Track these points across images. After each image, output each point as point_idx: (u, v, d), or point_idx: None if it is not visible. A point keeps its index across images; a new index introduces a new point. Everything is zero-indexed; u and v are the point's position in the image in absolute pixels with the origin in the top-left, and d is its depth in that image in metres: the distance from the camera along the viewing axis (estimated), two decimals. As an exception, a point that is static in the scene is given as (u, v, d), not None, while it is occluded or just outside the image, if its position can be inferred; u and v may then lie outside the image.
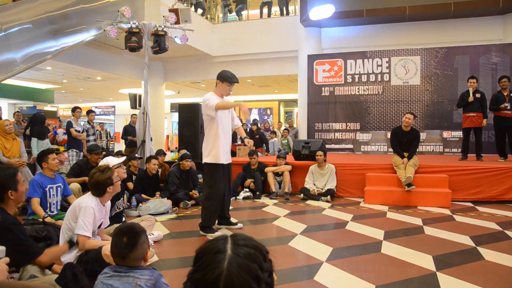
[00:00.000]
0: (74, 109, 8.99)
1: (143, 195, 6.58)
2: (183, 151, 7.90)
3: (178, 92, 20.22)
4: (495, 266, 3.66)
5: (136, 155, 7.86)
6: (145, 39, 8.86)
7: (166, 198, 6.52)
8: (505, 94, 8.06)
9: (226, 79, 4.84)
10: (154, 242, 4.41)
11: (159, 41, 8.80)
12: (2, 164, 6.25)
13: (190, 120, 9.86)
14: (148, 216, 4.73)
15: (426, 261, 3.77)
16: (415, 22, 11.81)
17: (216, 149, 4.78)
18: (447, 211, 6.24)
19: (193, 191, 6.94)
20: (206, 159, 4.84)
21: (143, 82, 9.58)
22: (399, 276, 3.40)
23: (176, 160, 8.78)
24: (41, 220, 4.23)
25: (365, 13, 11.59)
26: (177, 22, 9.33)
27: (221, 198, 4.94)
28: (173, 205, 6.44)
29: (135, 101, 13.91)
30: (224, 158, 4.87)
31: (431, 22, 11.71)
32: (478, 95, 8.10)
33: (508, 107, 7.96)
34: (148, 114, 9.05)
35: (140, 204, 6.26)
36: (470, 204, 6.82)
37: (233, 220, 5.29)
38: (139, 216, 5.56)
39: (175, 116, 19.83)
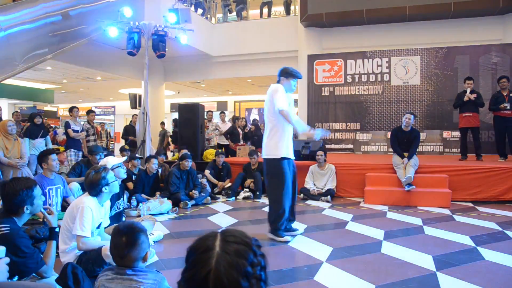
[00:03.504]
0: (71, 109, 8.96)
1: (143, 195, 6.59)
2: (184, 151, 7.91)
3: (178, 92, 20.22)
4: (495, 266, 3.65)
5: (137, 155, 7.87)
6: (145, 39, 8.87)
7: (166, 198, 6.52)
8: (505, 94, 8.06)
9: (292, 75, 4.68)
10: (154, 242, 4.41)
11: (159, 41, 8.81)
12: (3, 164, 6.26)
13: (190, 120, 9.85)
14: (148, 216, 4.73)
15: (426, 261, 3.77)
16: (415, 22, 11.82)
17: (283, 143, 4.55)
18: (447, 211, 6.24)
19: (193, 191, 6.94)
20: (268, 154, 4.60)
21: (143, 82, 9.60)
22: (399, 276, 3.40)
23: (176, 160, 8.78)
24: (41, 220, 4.23)
25: (365, 13, 11.60)
26: (177, 22, 9.34)
27: (291, 197, 4.67)
28: (173, 205, 6.44)
29: (135, 101, 13.93)
30: (289, 152, 4.63)
31: (431, 22, 11.72)
32: (474, 95, 8.10)
33: (508, 107, 7.96)
34: (148, 114, 9.06)
35: (140, 204, 6.26)
36: (470, 204, 6.82)
37: (294, 226, 4.93)
38: (139, 216, 5.57)
39: (175, 116, 19.83)
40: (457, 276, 3.35)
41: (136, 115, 11.24)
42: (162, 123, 14.66)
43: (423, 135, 10.56)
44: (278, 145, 4.52)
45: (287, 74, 4.69)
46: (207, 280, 0.92)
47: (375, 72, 11.49)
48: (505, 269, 3.58)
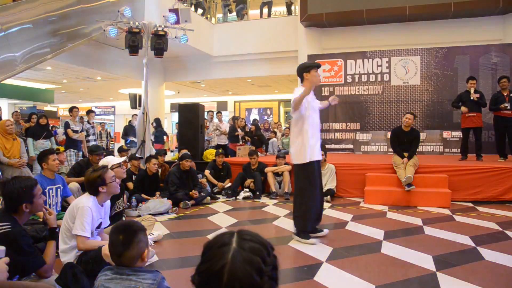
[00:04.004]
0: (71, 109, 8.97)
1: (143, 195, 6.58)
2: (184, 151, 7.91)
3: (178, 92, 20.22)
4: (495, 266, 3.65)
5: (137, 155, 7.87)
6: (145, 39, 8.88)
7: (166, 198, 6.53)
8: (505, 94, 8.06)
9: (310, 66, 4.53)
10: (154, 242, 4.41)
11: (159, 41, 8.81)
12: (2, 164, 6.26)
13: (190, 120, 9.85)
14: (148, 216, 4.73)
15: (426, 261, 3.77)
16: (415, 22, 11.82)
17: (304, 146, 4.45)
18: (447, 211, 6.24)
19: (193, 191, 6.94)
20: (296, 159, 4.53)
21: (143, 82, 9.59)
22: (399, 276, 3.40)
23: (176, 160, 8.79)
24: (41, 220, 4.22)
25: (365, 13, 11.61)
26: (177, 22, 9.35)
27: (317, 200, 4.60)
28: (173, 205, 6.44)
29: (135, 101, 13.92)
30: (315, 154, 4.53)
31: (431, 22, 11.72)
32: (477, 95, 8.10)
33: (508, 107, 7.96)
34: (148, 114, 9.06)
35: (140, 204, 6.27)
36: (470, 204, 6.82)
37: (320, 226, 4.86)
38: (139, 216, 5.56)
39: (175, 116, 19.82)
40: (457, 276, 3.36)
41: (136, 115, 11.25)
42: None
43: (423, 135, 10.55)
44: (301, 150, 4.47)
45: (304, 68, 4.56)
46: (221, 273, 0.95)
47: (375, 72, 11.49)
48: (505, 269, 3.58)
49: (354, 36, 12.36)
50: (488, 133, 9.95)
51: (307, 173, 4.49)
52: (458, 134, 9.89)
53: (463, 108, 8.22)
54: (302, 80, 4.60)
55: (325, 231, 4.78)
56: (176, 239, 4.77)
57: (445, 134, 10.81)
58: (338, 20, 12.07)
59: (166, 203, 6.33)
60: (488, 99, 8.43)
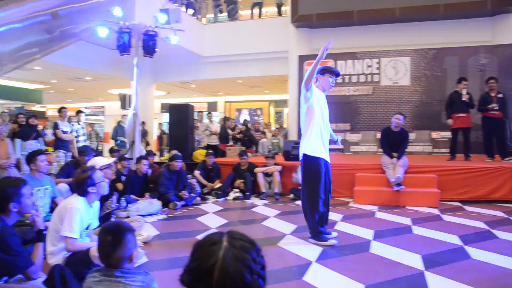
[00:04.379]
0: (60, 110, 8.91)
1: (132, 196, 6.55)
2: (174, 152, 7.89)
3: (168, 93, 20.13)
4: (482, 265, 3.69)
5: (126, 155, 7.83)
6: (135, 39, 8.83)
7: (155, 199, 6.50)
8: (493, 95, 8.15)
9: (326, 70, 4.56)
10: (144, 243, 4.39)
11: (150, 42, 8.77)
12: None
13: (181, 121, 9.82)
14: (137, 217, 4.71)
15: (414, 260, 3.80)
16: (405, 23, 11.87)
17: (312, 141, 4.37)
18: (435, 211, 6.29)
19: (182, 191, 6.92)
20: (303, 150, 4.42)
21: (133, 82, 9.54)
22: (388, 276, 3.42)
23: (166, 161, 8.76)
24: (28, 222, 4.18)
25: (355, 14, 11.65)
26: (168, 23, 9.31)
27: (323, 196, 4.43)
28: (162, 205, 6.41)
29: (125, 101, 13.84)
30: (323, 152, 4.43)
31: (420, 23, 11.78)
32: (468, 96, 8.17)
33: (496, 108, 8.05)
34: (138, 115, 9.02)
35: (130, 205, 6.23)
36: (458, 204, 6.88)
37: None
38: (128, 217, 5.54)
39: (166, 117, 19.75)
40: (445, 275, 3.38)
41: (126, 115, 11.18)
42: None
43: (412, 136, 10.62)
44: (312, 145, 4.36)
45: (323, 70, 4.57)
46: (212, 271, 0.96)
47: (365, 73, 11.55)
48: (492, 267, 3.61)
49: (345, 36, 12.37)
50: (476, 134, 10.04)
51: (312, 168, 4.37)
52: (447, 134, 9.97)
53: (450, 121, 8.31)
54: (316, 80, 4.57)
55: (332, 234, 4.61)
56: (166, 240, 4.76)
57: (434, 134, 10.89)
58: (329, 20, 12.10)
59: (156, 204, 6.31)
60: (476, 100, 8.51)
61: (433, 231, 4.96)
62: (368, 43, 12.00)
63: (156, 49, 8.93)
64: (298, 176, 7.63)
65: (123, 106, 13.88)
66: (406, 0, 11.28)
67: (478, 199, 6.99)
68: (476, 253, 4.04)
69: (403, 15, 11.40)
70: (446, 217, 5.83)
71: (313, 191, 4.38)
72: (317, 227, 4.40)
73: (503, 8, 10.90)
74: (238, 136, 11.69)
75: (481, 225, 5.31)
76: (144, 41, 8.80)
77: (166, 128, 15.27)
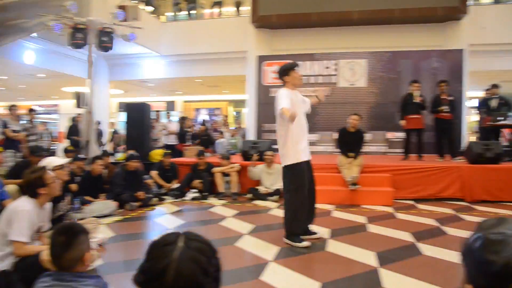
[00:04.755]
0: (10, 108, 8.55)
1: (86, 197, 6.35)
2: (130, 152, 7.73)
3: (126, 92, 19.74)
4: (433, 260, 3.82)
5: (81, 155, 7.60)
6: (91, 36, 8.60)
7: (111, 200, 6.33)
8: (444, 97, 8.46)
9: (290, 67, 4.59)
10: (98, 245, 4.27)
11: (106, 39, 8.56)
12: None
13: (138, 120, 9.64)
14: (92, 219, 4.58)
15: (369, 258, 3.87)
16: (362, 27, 12.13)
17: (292, 148, 4.40)
18: (389, 209, 6.45)
19: (139, 192, 6.78)
20: (284, 161, 4.44)
21: (88, 80, 9.30)
22: (344, 273, 3.48)
23: (123, 161, 8.56)
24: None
25: (314, 16, 11.80)
26: (125, 20, 9.12)
27: (306, 201, 4.51)
28: (118, 207, 6.26)
29: (80, 100, 13.44)
30: (303, 154, 4.46)
31: (377, 26, 12.07)
32: (421, 98, 8.42)
33: (447, 110, 8.35)
34: (93, 114, 8.79)
35: (84, 207, 6.04)
36: (411, 202, 7.09)
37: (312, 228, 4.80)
38: (83, 218, 5.36)
39: (122, 116, 19.34)
40: (398, 271, 3.47)
41: (80, 114, 10.87)
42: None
43: (368, 136, 10.84)
44: (290, 152, 4.39)
45: (285, 70, 4.58)
46: (165, 271, 0.94)
47: (323, 74, 11.70)
48: (441, 262, 3.74)
49: (304, 38, 12.52)
50: (429, 134, 10.37)
51: (295, 174, 4.41)
52: (401, 135, 10.24)
53: (402, 122, 8.55)
54: (283, 84, 4.59)
55: (317, 234, 4.69)
56: (121, 242, 4.64)
57: (389, 135, 11.18)
58: (288, 22, 12.19)
59: (111, 205, 6.15)
60: (429, 102, 8.79)
61: (387, 229, 5.08)
62: (326, 45, 12.17)
63: (112, 47, 8.73)
64: (255, 170, 7.65)
65: (78, 105, 13.48)
66: (363, 4, 11.53)
67: (429, 197, 7.23)
68: (427, 249, 4.17)
69: (360, 18, 11.65)
70: (400, 215, 6.00)
71: (295, 197, 4.40)
72: (295, 229, 4.42)
73: (453, 15, 11.36)
74: (198, 131, 11.58)
75: (432, 222, 5.50)
76: (100, 38, 8.58)
77: (121, 127, 14.99)
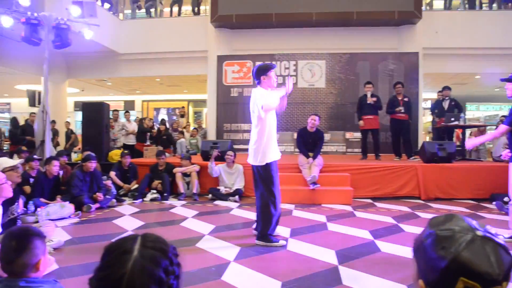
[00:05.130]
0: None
1: (42, 199, 6.14)
2: (87, 152, 7.53)
3: (83, 90, 19.21)
4: (390, 257, 3.92)
5: (35, 156, 7.34)
6: (45, 32, 8.30)
7: (67, 202, 6.14)
8: (400, 98, 8.69)
9: (269, 67, 4.58)
10: (54, 249, 4.13)
11: (62, 35, 8.29)
12: None
13: (95, 120, 9.41)
14: (47, 222, 4.43)
15: (329, 256, 3.93)
16: (321, 28, 12.32)
17: (269, 147, 4.42)
18: (349, 208, 6.58)
19: (97, 193, 6.61)
20: (260, 160, 4.40)
21: (42, 78, 8.98)
22: (305, 272, 3.51)
23: (79, 162, 8.33)
24: None
25: (274, 17, 11.88)
26: (82, 16, 8.86)
27: (280, 201, 4.56)
28: (75, 209, 6.08)
29: (33, 98, 12.99)
30: (277, 153, 4.55)
31: (336, 28, 12.30)
32: (374, 99, 8.62)
33: (402, 111, 8.60)
34: (48, 113, 8.50)
35: (39, 209, 5.81)
36: (370, 201, 7.26)
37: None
38: (37, 222, 5.18)
39: (79, 115, 18.84)
40: (357, 268, 3.55)
41: (34, 113, 10.51)
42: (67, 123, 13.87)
43: (327, 136, 11.02)
44: (266, 151, 4.39)
45: (263, 70, 4.56)
46: (120, 282, 0.91)
47: (283, 75, 11.79)
48: (398, 259, 3.85)
49: (264, 38, 12.59)
50: (386, 135, 10.65)
51: (270, 173, 4.43)
52: (360, 135, 10.47)
53: (361, 122, 8.76)
54: (259, 83, 4.57)
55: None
56: (79, 245, 4.50)
57: (348, 135, 11.40)
58: (248, 22, 12.22)
59: (68, 207, 5.96)
60: (385, 103, 9.03)
61: (347, 227, 5.18)
62: (286, 46, 12.28)
63: (69, 44, 8.46)
64: (215, 167, 7.61)
65: (32, 103, 13.02)
66: (322, 6, 11.71)
67: (387, 196, 7.43)
68: (384, 246, 4.28)
69: (319, 20, 11.83)
70: (359, 214, 6.13)
71: (269, 194, 4.41)
72: (267, 230, 4.42)
73: (408, 19, 11.73)
74: (159, 128, 11.40)
75: (389, 220, 5.64)
76: (55, 34, 8.30)
77: (76, 127, 14.58)
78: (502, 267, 0.86)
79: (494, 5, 13.17)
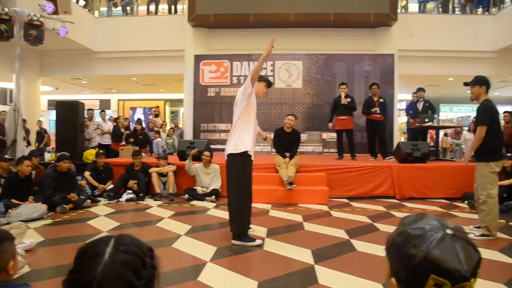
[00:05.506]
0: None
1: (13, 200, 5.99)
2: (61, 152, 7.38)
3: (56, 89, 18.86)
4: (365, 256, 3.97)
5: (6, 156, 7.16)
6: (17, 28, 8.12)
7: (40, 203, 6.01)
8: (375, 99, 8.81)
9: (265, 78, 4.70)
10: (26, 251, 4.04)
11: (35, 32, 8.12)
12: None
13: (69, 119, 9.24)
14: (18, 223, 4.32)
15: (305, 255, 3.95)
16: (298, 29, 12.39)
17: (247, 137, 4.38)
18: (325, 207, 6.63)
19: (71, 194, 6.49)
20: (236, 148, 4.35)
21: (14, 76, 8.78)
22: (281, 271, 3.52)
23: (53, 161, 8.17)
24: None
25: (251, 17, 11.88)
26: (56, 13, 8.69)
27: (249, 201, 4.57)
28: (48, 209, 5.95)
29: (5, 96, 12.71)
30: (252, 150, 4.44)
31: (313, 29, 12.38)
32: (348, 100, 8.71)
33: (378, 111, 8.71)
34: (20, 111, 8.32)
35: (10, 210, 5.69)
36: (346, 200, 7.33)
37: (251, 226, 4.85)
38: (8, 223, 5.05)
39: (53, 114, 18.50)
40: (332, 267, 3.58)
41: (5, 111, 10.26)
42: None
43: (304, 136, 11.09)
44: (246, 141, 4.35)
45: (263, 78, 4.69)
46: (90, 286, 0.89)
47: (260, 75, 11.78)
48: (373, 257, 3.90)
49: (241, 38, 12.58)
50: (362, 135, 10.78)
51: (245, 162, 4.39)
52: (336, 135, 10.58)
53: (330, 125, 8.86)
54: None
55: (252, 228, 4.84)
56: (52, 247, 4.41)
57: (324, 135, 11.49)
58: (226, 22, 12.20)
59: (41, 208, 5.83)
60: (361, 104, 9.14)
61: (323, 227, 5.22)
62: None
63: (42, 41, 8.29)
64: (192, 165, 7.57)
65: (3, 102, 12.74)
66: (300, 6, 11.77)
67: (363, 196, 7.52)
68: (360, 245, 4.33)
69: (296, 20, 11.89)
70: (335, 213, 6.18)
71: (242, 186, 4.42)
72: (242, 229, 4.43)
73: (384, 22, 11.91)
74: (135, 128, 11.27)
75: (365, 219, 5.71)
76: (27, 30, 8.12)
77: (49, 126, 14.27)
78: (471, 264, 0.88)
79: (467, 8, 13.48)
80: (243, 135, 4.39)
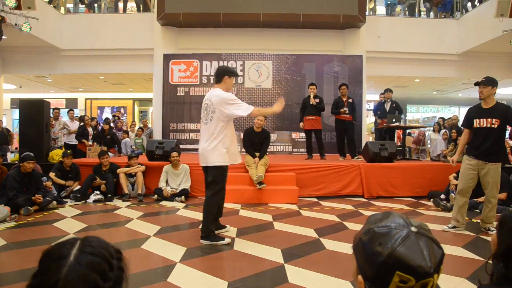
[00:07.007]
0: None
1: (-27, 202, 5.80)
2: (25, 152, 7.17)
3: (20, 87, 18.32)
4: (334, 254, 4.02)
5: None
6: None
7: (2, 205, 5.83)
8: (344, 99, 8.93)
9: (234, 73, 4.74)
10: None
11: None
12: None
13: (34, 118, 8.99)
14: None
15: (275, 255, 3.97)
16: (268, 29, 12.45)
17: (233, 149, 4.51)
18: (295, 207, 6.67)
19: (36, 195, 6.31)
20: (222, 160, 4.38)
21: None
22: (251, 271, 3.52)
23: (16, 162, 7.93)
24: None
25: (221, 17, 11.85)
26: (19, 8, 8.44)
27: (222, 200, 4.76)
28: (12, 212, 5.77)
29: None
30: (234, 157, 4.57)
31: (283, 30, 12.46)
32: (317, 100, 8.79)
33: (347, 111, 8.83)
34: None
35: (-30, 212, 5.50)
36: (315, 200, 7.40)
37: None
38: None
39: (16, 113, 17.96)
40: (302, 266, 3.61)
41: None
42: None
43: (273, 136, 11.15)
44: (226, 153, 4.40)
45: (230, 72, 4.66)
46: None
47: (230, 69, 11.77)
48: (342, 256, 3.95)
49: (211, 38, 12.54)
50: (331, 135, 10.92)
51: (222, 174, 4.48)
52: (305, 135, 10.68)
53: (301, 124, 8.93)
54: (219, 81, 4.58)
55: (227, 227, 5.01)
56: (15, 250, 4.27)
57: (294, 135, 11.58)
58: (196, 21, 12.13)
59: (3, 210, 5.65)
60: (330, 104, 9.25)
61: (293, 226, 5.26)
62: (233, 46, 12.30)
63: (3, 36, 8.04)
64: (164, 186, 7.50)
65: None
66: (269, 7, 11.82)
67: (332, 195, 7.62)
68: (329, 243, 4.38)
69: (266, 21, 11.93)
70: (304, 212, 6.23)
71: (219, 194, 4.52)
72: (213, 229, 4.51)
73: (352, 23, 12.09)
74: (103, 127, 11.07)
75: (334, 218, 5.78)
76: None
77: (13, 125, 13.84)
78: (434, 260, 0.91)
79: (431, 13, 13.87)
80: (231, 148, 4.48)
